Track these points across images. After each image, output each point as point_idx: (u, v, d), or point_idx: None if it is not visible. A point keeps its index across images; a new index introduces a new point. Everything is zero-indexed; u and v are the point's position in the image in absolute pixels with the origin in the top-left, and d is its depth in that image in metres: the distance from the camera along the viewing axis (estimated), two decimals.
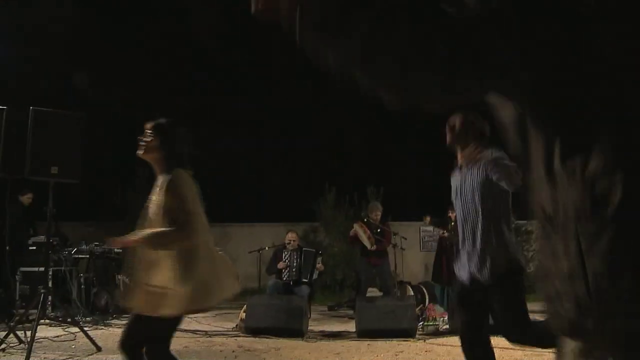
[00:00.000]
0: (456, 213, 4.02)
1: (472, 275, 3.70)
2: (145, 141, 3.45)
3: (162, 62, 17.72)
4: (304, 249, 9.60)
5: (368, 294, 9.34)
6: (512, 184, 3.58)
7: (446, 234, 9.91)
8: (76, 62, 16.33)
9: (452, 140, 3.85)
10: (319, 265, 9.40)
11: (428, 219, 9.99)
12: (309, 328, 8.09)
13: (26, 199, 9.79)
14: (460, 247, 3.87)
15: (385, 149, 20.16)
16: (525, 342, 3.86)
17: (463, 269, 3.78)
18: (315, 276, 9.43)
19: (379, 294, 9.65)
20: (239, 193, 17.94)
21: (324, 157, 18.78)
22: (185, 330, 7.93)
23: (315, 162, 18.87)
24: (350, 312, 10.27)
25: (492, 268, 3.64)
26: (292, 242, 9.54)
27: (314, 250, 9.76)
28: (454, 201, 3.97)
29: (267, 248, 10.35)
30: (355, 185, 15.27)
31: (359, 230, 9.53)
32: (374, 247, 9.38)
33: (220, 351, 6.46)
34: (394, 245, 9.91)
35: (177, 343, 6.89)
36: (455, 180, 3.94)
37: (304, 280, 9.18)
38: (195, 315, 9.74)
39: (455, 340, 7.12)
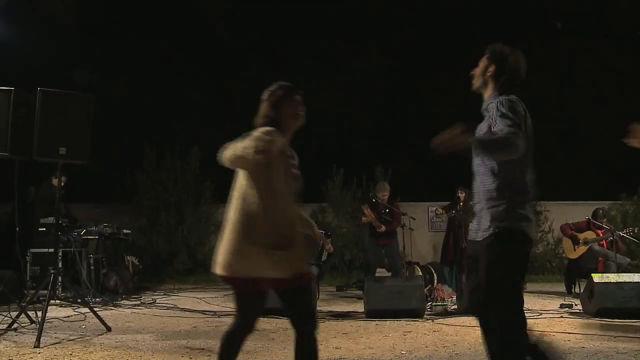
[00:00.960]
0: None
1: (473, 237, 3.47)
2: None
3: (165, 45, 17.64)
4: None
5: (377, 275, 9.37)
6: (495, 157, 3.30)
7: (453, 213, 9.92)
8: (84, 44, 16.33)
9: (475, 83, 3.61)
10: (328, 247, 9.38)
11: (441, 210, 10.02)
12: (317, 308, 8.11)
13: (58, 182, 9.91)
14: None
15: (393, 129, 20.10)
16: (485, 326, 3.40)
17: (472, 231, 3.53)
18: (324, 258, 9.42)
19: (388, 274, 9.68)
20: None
21: (332, 138, 18.75)
22: (194, 311, 8.00)
23: (322, 143, 18.85)
24: (359, 292, 10.32)
25: (479, 230, 3.43)
26: None
27: (322, 232, 9.72)
28: None
29: None
30: (363, 166, 15.26)
31: (367, 218, 9.51)
32: (383, 229, 9.38)
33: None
34: (403, 226, 9.89)
35: (186, 323, 6.97)
36: None
37: (312, 263, 9.17)
38: (204, 295, 9.86)
39: (464, 320, 7.19)
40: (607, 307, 7.37)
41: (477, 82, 3.59)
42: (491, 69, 3.52)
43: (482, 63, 3.58)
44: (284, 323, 7.00)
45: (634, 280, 7.51)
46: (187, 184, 14.72)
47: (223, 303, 9.03)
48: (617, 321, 7.05)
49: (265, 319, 7.29)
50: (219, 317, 7.59)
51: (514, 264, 3.30)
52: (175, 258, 14.20)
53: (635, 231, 10.29)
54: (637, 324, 6.91)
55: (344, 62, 18.84)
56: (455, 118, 3.22)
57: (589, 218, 10.54)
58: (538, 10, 19.06)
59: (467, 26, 18.52)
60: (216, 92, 18.17)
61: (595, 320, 7.20)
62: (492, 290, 3.26)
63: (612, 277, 7.70)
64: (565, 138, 19.74)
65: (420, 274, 9.76)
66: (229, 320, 7.09)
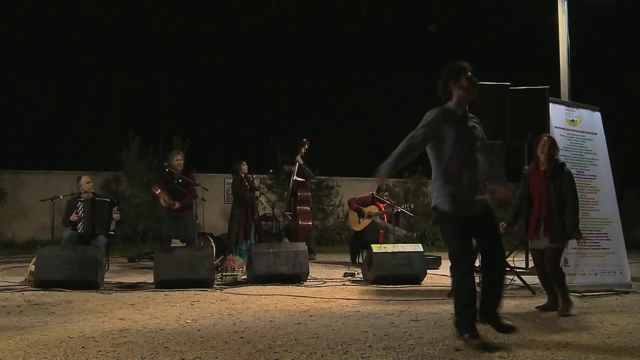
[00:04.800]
0: None
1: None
2: None
3: None
4: (97, 198, 9.18)
5: (172, 245, 9.28)
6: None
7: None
8: None
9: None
10: (116, 216, 9.08)
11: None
12: (106, 280, 7.89)
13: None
14: None
15: (195, 100, 19.93)
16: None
17: None
18: (113, 227, 9.12)
19: (183, 245, 9.64)
20: (33, 138, 16.80)
21: (129, 105, 18.14)
22: None
23: (119, 110, 18.18)
24: (151, 263, 10.15)
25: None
26: (87, 185, 9.05)
27: (108, 200, 9.38)
28: None
29: (61, 197, 9.75)
30: (161, 135, 14.92)
31: (159, 196, 9.36)
32: (177, 206, 9.27)
33: (2, 307, 6.08)
34: (196, 197, 9.85)
35: None
36: None
37: (97, 233, 8.82)
38: None
39: (251, 289, 7.43)
40: (383, 275, 8.04)
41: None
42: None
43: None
44: (68, 295, 6.75)
45: (407, 250, 8.27)
46: None
47: (1, 277, 8.44)
48: (390, 287, 7.72)
49: (47, 292, 6.97)
50: None
51: None
52: None
53: (412, 206, 11.29)
54: (406, 288, 7.65)
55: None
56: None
57: (372, 193, 11.33)
58: None
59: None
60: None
61: (373, 287, 7.81)
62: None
63: (389, 248, 8.41)
64: (355, 119, 20.96)
65: (213, 244, 9.84)
66: (4, 296, 6.71)
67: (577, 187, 6.13)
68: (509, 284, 7.72)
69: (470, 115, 4.67)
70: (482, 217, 4.55)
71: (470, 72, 4.55)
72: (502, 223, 6.05)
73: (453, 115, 4.51)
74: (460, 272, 4.43)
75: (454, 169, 4.47)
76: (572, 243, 6.55)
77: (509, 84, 7.72)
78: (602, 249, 7.53)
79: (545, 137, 6.20)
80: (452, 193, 4.47)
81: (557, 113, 7.65)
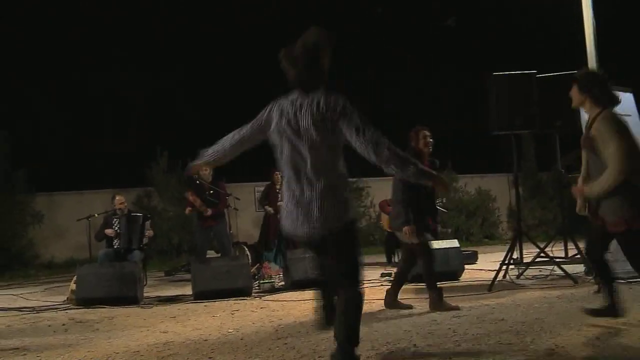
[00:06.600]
0: None
1: None
2: None
3: None
4: (131, 214, 9.28)
5: (207, 257, 9.32)
6: None
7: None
8: None
9: None
10: (149, 232, 9.15)
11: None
12: (145, 295, 7.96)
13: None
14: None
15: (217, 112, 20.00)
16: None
17: None
18: (145, 241, 9.20)
19: (217, 256, 9.67)
20: (62, 160, 17.01)
21: (155, 121, 18.29)
22: (8, 309, 7.47)
23: (145, 126, 18.33)
24: (188, 276, 10.21)
25: None
26: (120, 205, 9.17)
27: (141, 214, 9.48)
28: None
29: (96, 215, 9.89)
30: (187, 149, 15.00)
31: (192, 208, 9.41)
32: (209, 212, 9.31)
33: (49, 326, 6.17)
34: (228, 207, 9.90)
35: None
36: None
37: (134, 247, 8.92)
38: (22, 292, 9.25)
39: (290, 295, 7.42)
40: (421, 273, 7.94)
41: None
42: None
43: None
44: (110, 312, 6.82)
45: (443, 247, 8.17)
46: None
47: (44, 298, 8.54)
48: None
49: (89, 310, 7.04)
50: (37, 312, 7.17)
51: None
52: None
53: (444, 201, 11.17)
54: (444, 285, 7.53)
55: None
56: None
57: None
58: None
59: None
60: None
61: (410, 286, 7.74)
62: None
63: None
64: (384, 121, 20.82)
65: (248, 253, 9.87)
66: (49, 315, 6.80)
67: None
68: (549, 275, 7.63)
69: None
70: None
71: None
72: None
73: None
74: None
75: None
76: None
77: (535, 71, 7.62)
78: None
79: None
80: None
81: None
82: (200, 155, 3.92)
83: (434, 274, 6.06)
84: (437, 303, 5.85)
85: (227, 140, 3.76)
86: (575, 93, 4.70)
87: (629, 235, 4.34)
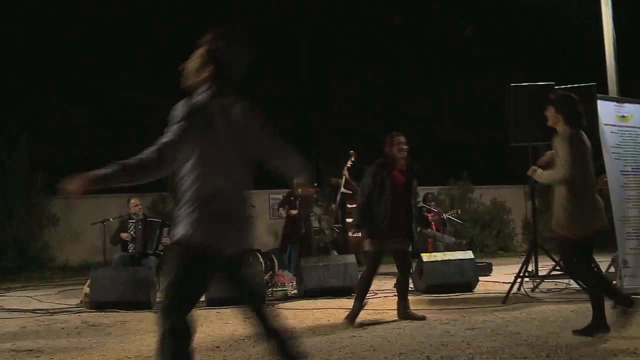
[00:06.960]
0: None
1: None
2: None
3: None
4: (148, 219, 9.29)
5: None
6: None
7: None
8: None
9: None
10: (165, 239, 9.15)
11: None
12: (158, 300, 7.95)
13: None
14: None
15: None
16: None
17: None
18: (161, 247, 9.21)
19: None
20: (77, 164, 17.12)
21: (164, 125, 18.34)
22: (23, 310, 7.52)
23: (161, 131, 18.36)
24: None
25: None
26: (135, 207, 9.18)
27: (159, 220, 9.49)
28: None
29: (111, 219, 9.93)
30: None
31: None
32: None
33: (62, 328, 6.20)
34: None
35: (14, 324, 6.56)
36: None
37: (149, 252, 8.92)
38: (36, 294, 9.31)
39: (303, 303, 7.40)
40: (435, 284, 7.91)
41: None
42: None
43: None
44: (123, 316, 6.83)
45: (457, 258, 8.12)
46: (15, 174, 13.72)
47: (57, 300, 8.58)
48: (442, 296, 7.60)
49: (103, 313, 7.06)
50: (51, 314, 7.20)
51: None
52: (2, 255, 13.20)
53: (459, 212, 11.13)
54: (458, 296, 7.51)
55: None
56: None
57: (419, 201, 11.21)
58: None
59: None
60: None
61: (424, 297, 7.71)
62: None
63: (439, 256, 8.27)
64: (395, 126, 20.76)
65: (262, 260, 9.86)
66: (63, 318, 6.83)
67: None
68: (565, 288, 7.55)
69: None
70: None
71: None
72: None
73: None
74: None
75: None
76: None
77: (554, 83, 7.56)
78: None
79: None
80: None
81: (607, 110, 7.38)
82: None
83: (364, 287, 6.28)
84: (354, 316, 5.96)
85: None
86: (551, 113, 5.15)
87: (565, 244, 4.98)
